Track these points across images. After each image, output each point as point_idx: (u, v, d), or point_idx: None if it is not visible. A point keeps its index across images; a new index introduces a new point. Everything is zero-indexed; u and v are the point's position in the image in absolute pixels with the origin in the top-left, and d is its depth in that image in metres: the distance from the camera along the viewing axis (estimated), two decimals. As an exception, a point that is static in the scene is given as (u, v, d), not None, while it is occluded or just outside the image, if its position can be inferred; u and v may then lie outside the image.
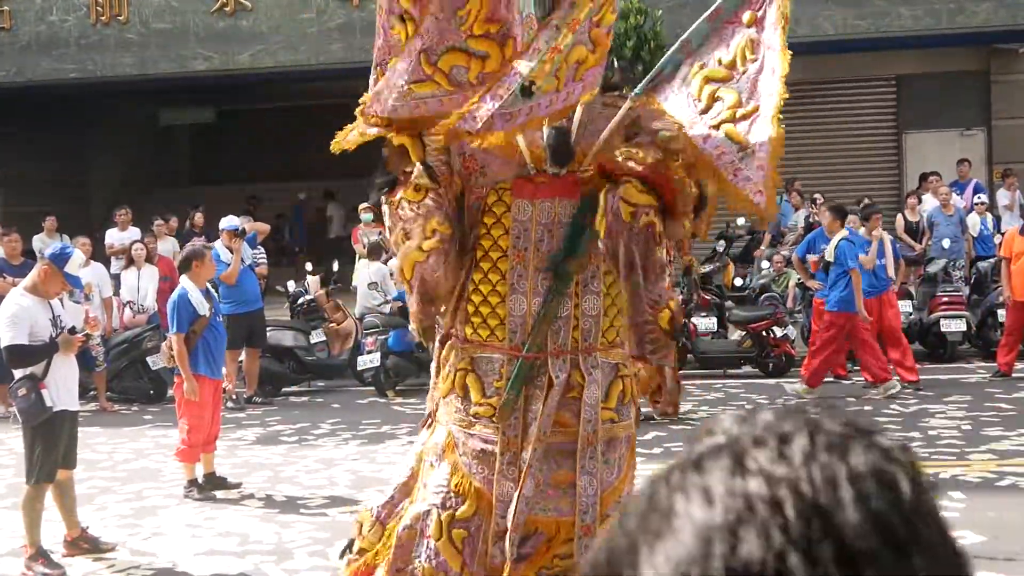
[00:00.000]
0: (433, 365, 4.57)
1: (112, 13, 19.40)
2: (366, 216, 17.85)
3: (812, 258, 13.75)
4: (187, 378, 9.16)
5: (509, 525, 4.07)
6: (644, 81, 4.37)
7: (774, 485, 0.87)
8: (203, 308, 9.41)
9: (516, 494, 4.02)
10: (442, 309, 4.41)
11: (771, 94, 4.11)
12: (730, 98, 4.11)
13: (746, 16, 4.13)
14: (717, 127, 4.11)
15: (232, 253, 13.78)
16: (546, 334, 4.14)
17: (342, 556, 4.69)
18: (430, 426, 4.50)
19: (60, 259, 7.55)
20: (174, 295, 9.61)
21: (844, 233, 13.17)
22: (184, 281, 9.59)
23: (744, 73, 4.14)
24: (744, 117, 4.10)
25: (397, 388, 14.48)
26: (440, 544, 4.14)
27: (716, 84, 4.14)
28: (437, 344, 4.49)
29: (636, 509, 0.92)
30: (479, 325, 4.21)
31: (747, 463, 0.89)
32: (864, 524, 0.85)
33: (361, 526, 4.56)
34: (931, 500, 0.90)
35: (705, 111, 4.14)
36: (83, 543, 7.73)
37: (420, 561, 4.18)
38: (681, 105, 4.18)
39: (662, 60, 4.46)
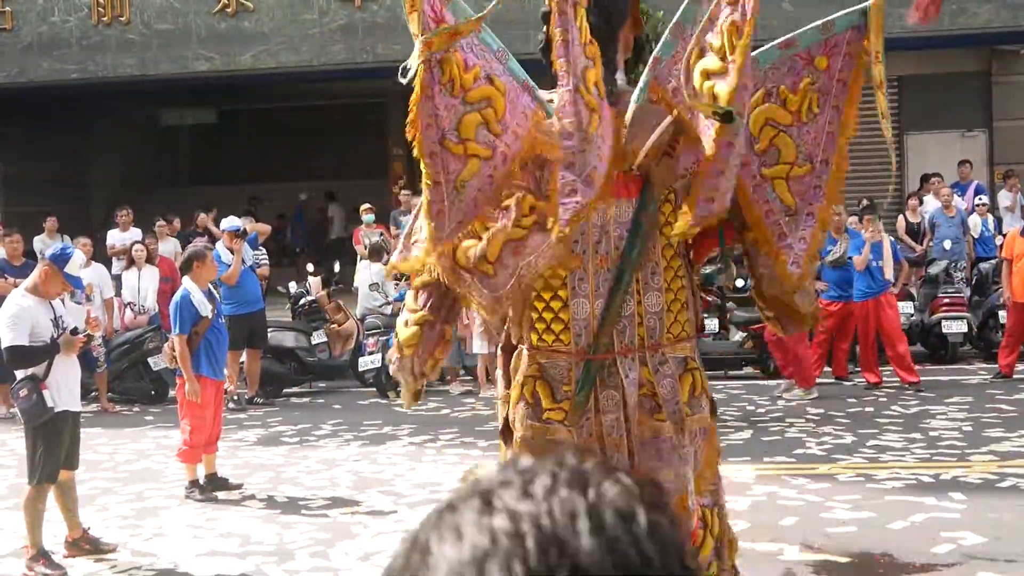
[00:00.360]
0: (499, 373, 4.60)
1: (114, 14, 19.40)
2: (368, 217, 17.86)
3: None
4: (189, 379, 9.17)
5: None
6: (644, 75, 4.27)
7: (517, 520, 0.93)
8: (205, 309, 9.41)
9: None
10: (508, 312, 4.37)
11: (827, 160, 4.01)
12: (787, 151, 4.02)
13: (818, 59, 4.05)
14: (768, 179, 4.06)
15: (233, 254, 13.78)
16: (611, 334, 4.18)
17: None
18: (508, 439, 4.52)
19: (61, 260, 7.55)
20: (176, 296, 9.61)
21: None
22: (186, 282, 9.59)
23: (805, 124, 4.05)
24: (796, 178, 4.04)
25: (398, 389, 14.45)
26: None
27: (777, 128, 4.06)
28: (500, 353, 4.54)
29: (402, 550, 0.98)
30: (544, 331, 4.24)
31: (494, 502, 0.96)
32: (599, 552, 0.91)
33: None
34: (670, 530, 0.95)
35: (761, 153, 4.07)
36: (84, 544, 7.73)
37: None
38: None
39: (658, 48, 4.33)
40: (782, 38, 4.08)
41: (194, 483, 9.33)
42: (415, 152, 3.94)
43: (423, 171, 3.94)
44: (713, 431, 4.52)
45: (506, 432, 4.54)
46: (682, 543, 0.96)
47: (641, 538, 0.93)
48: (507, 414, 4.48)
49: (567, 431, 4.20)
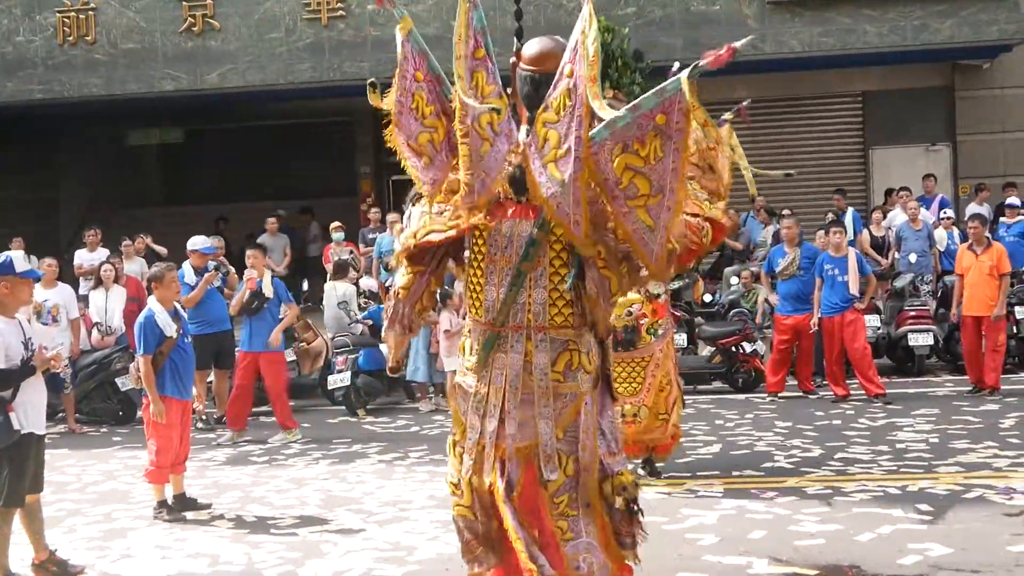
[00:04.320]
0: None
1: (79, 34, 19.36)
2: (337, 235, 17.86)
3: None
4: (154, 400, 9.11)
5: (471, 444, 5.60)
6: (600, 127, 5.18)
7: None
8: (170, 329, 9.34)
9: (494, 428, 5.54)
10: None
11: (673, 188, 5.14)
12: (643, 186, 5.14)
13: (658, 116, 5.06)
14: (632, 208, 5.19)
15: (196, 275, 13.66)
16: (507, 314, 5.53)
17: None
18: None
19: (8, 268, 7.45)
20: (141, 316, 9.48)
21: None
22: (151, 302, 9.48)
23: (654, 166, 5.12)
24: (651, 206, 5.17)
25: (368, 407, 14.47)
26: (451, 458, 5.76)
27: (633, 170, 5.16)
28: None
29: None
30: (471, 306, 5.69)
31: None
32: None
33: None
34: None
35: (624, 189, 5.18)
36: (51, 566, 7.66)
37: (447, 470, 5.84)
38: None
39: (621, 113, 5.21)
40: (630, 104, 5.15)
41: (162, 504, 9.28)
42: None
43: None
44: (582, 397, 5.58)
45: None
46: None
47: None
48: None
49: (473, 376, 5.63)
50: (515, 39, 5.61)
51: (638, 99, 5.18)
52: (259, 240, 17.24)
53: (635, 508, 5.58)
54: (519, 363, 5.54)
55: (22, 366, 7.31)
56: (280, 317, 13.07)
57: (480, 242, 5.58)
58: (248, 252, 13.29)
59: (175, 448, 9.30)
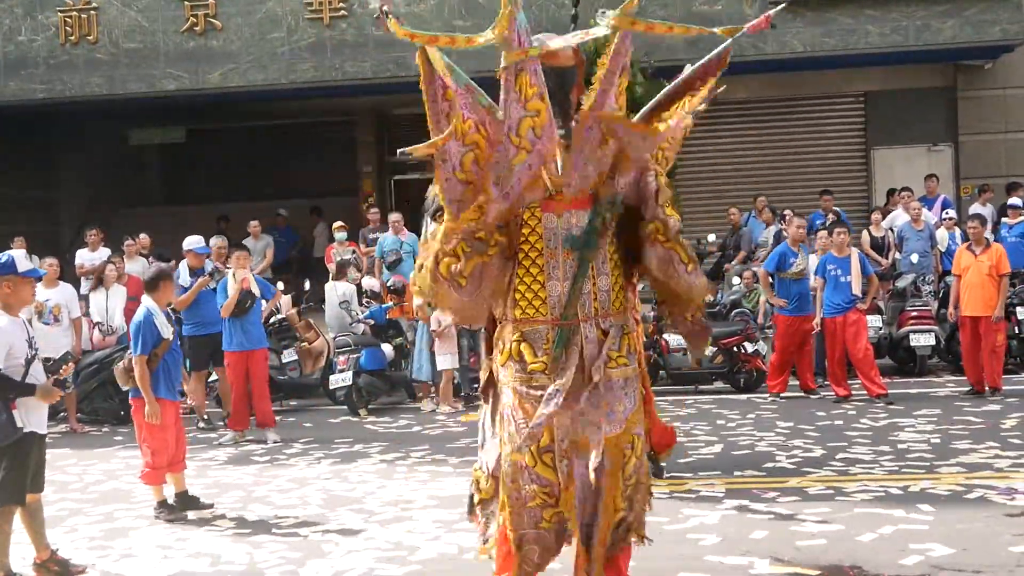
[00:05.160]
0: (483, 346, 6.13)
1: (81, 33, 19.35)
2: (340, 235, 17.85)
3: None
4: (149, 401, 9.04)
5: (565, 446, 5.59)
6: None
7: None
8: (167, 331, 9.30)
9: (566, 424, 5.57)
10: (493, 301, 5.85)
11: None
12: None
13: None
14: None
15: (191, 276, 13.70)
16: (576, 306, 5.57)
17: (470, 512, 6.20)
18: (489, 396, 6.02)
19: (8, 268, 7.45)
20: (138, 316, 9.35)
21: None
22: (148, 302, 9.37)
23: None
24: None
25: (369, 407, 14.46)
26: (538, 469, 5.60)
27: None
28: (483, 331, 6.02)
29: None
30: (526, 307, 5.63)
31: None
32: None
33: (478, 482, 6.01)
34: None
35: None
36: (53, 565, 7.66)
37: (529, 486, 5.63)
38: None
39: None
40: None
41: (163, 503, 9.27)
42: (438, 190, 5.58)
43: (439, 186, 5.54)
44: (643, 379, 5.97)
45: (487, 388, 6.01)
46: None
47: None
48: (491, 371, 5.91)
49: (547, 378, 5.55)
50: (574, 24, 6.01)
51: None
52: (243, 243, 17.15)
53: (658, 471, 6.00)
54: (595, 353, 5.60)
55: (22, 381, 7.27)
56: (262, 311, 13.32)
57: (534, 238, 5.61)
58: (235, 254, 13.30)
59: (170, 449, 9.27)
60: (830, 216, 17.61)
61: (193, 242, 14.03)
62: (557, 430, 5.59)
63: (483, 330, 6.26)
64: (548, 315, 5.58)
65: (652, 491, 6.06)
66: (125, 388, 9.48)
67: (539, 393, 5.56)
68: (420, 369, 14.67)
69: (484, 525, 6.02)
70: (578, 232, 5.57)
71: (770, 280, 14.38)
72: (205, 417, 13.75)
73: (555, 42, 5.59)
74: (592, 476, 5.58)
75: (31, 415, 7.34)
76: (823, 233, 14.62)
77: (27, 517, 7.58)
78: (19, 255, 7.70)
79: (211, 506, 9.42)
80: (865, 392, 13.48)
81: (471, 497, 6.18)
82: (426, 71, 5.41)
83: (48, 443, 7.92)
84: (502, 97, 5.31)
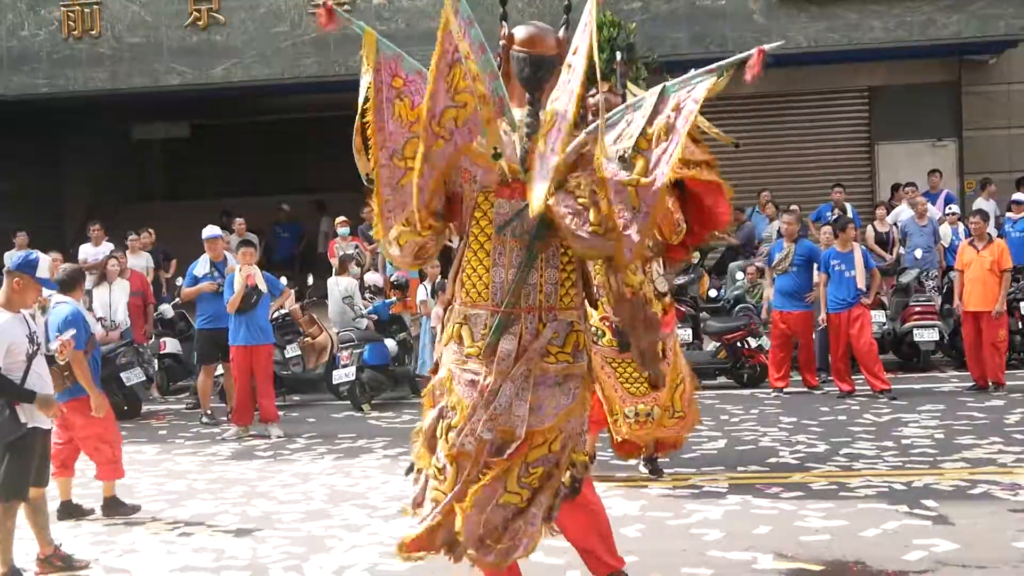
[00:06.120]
0: (439, 327, 5.99)
1: (84, 27, 19.35)
2: (343, 230, 17.85)
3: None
4: (95, 395, 8.79)
5: (475, 425, 5.44)
6: (598, 122, 5.30)
7: None
8: (94, 326, 9.12)
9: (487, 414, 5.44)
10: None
11: (664, 173, 5.19)
12: (640, 167, 5.21)
13: (672, 102, 5.28)
14: (626, 185, 5.20)
15: (212, 268, 13.74)
16: (519, 295, 5.48)
17: (407, 474, 5.98)
18: (436, 371, 5.87)
19: (29, 266, 7.43)
20: (68, 312, 8.93)
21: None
22: (70, 300, 9.08)
23: (656, 148, 5.24)
24: (644, 186, 5.19)
25: (372, 402, 14.46)
26: (441, 443, 5.53)
27: (639, 152, 5.26)
28: (443, 312, 5.87)
29: None
30: (470, 290, 5.56)
31: None
32: None
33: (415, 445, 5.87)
34: None
35: (626, 169, 5.23)
36: (56, 561, 7.67)
37: (438, 459, 5.59)
38: (612, 154, 5.31)
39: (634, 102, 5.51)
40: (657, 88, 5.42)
41: (112, 500, 9.24)
42: (366, 166, 5.59)
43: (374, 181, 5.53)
44: (587, 377, 5.74)
45: (435, 369, 5.86)
46: None
47: None
48: (439, 353, 5.80)
49: (479, 363, 5.49)
50: (502, 22, 5.69)
51: (660, 86, 5.41)
52: (228, 241, 17.07)
53: (577, 487, 5.68)
54: (534, 345, 5.49)
55: (21, 386, 7.25)
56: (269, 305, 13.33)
57: (484, 223, 5.52)
58: (240, 250, 13.31)
59: (117, 438, 9.22)
60: (835, 211, 17.60)
61: (209, 231, 14.09)
62: (476, 409, 5.46)
63: (443, 312, 6.09)
64: (489, 301, 5.51)
65: (556, 508, 5.66)
66: (57, 393, 8.35)
67: (470, 377, 5.50)
68: (424, 364, 14.68)
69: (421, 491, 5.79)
70: (517, 221, 5.45)
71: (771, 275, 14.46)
72: (208, 412, 13.75)
73: (528, 29, 5.59)
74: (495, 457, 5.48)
75: (34, 411, 7.33)
76: (827, 228, 14.61)
77: (31, 512, 7.59)
78: (45, 261, 7.60)
79: (92, 511, 9.26)
80: (868, 387, 13.46)
81: (411, 464, 5.95)
82: (373, 60, 5.42)
83: (51, 439, 7.92)
84: (429, 87, 5.22)
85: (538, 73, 5.53)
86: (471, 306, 5.57)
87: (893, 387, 13.40)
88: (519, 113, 5.50)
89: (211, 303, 13.55)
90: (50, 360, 7.90)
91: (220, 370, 13.93)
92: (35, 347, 7.40)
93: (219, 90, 19.91)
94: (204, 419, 13.67)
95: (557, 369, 5.54)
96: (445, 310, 5.86)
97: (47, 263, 7.66)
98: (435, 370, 5.89)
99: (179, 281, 15.75)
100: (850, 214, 17.44)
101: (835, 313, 13.71)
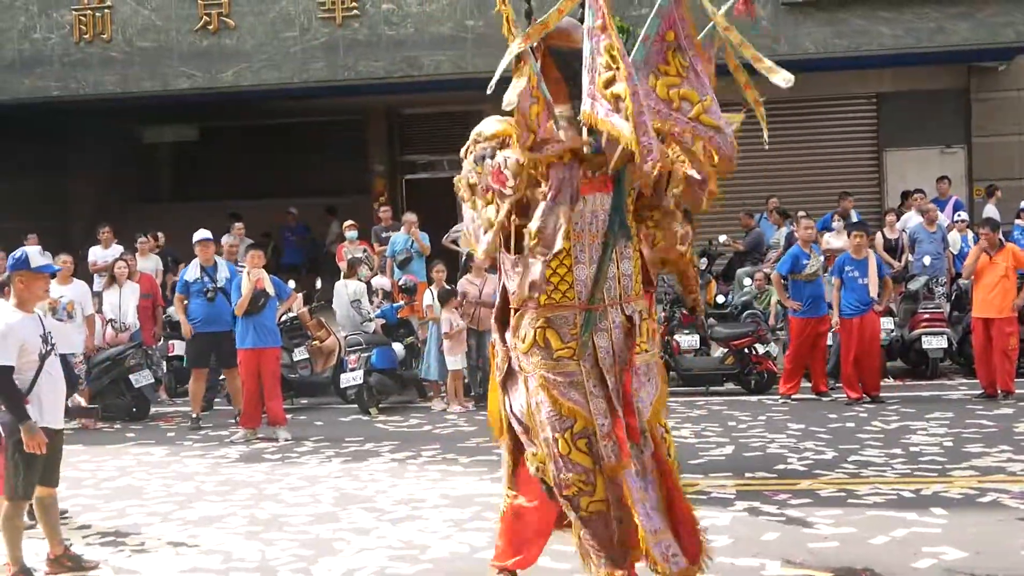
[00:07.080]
0: (495, 337, 6.01)
1: (95, 31, 19.39)
2: (351, 234, 17.87)
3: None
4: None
5: (607, 429, 5.48)
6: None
7: None
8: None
9: (606, 404, 5.51)
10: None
11: (711, 88, 5.52)
12: (691, 95, 5.44)
13: (667, 34, 5.52)
14: (695, 121, 5.40)
15: (201, 272, 13.68)
16: (602, 291, 5.57)
17: (550, 495, 5.86)
18: (507, 386, 5.92)
19: (22, 263, 7.44)
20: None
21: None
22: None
23: (686, 77, 5.48)
24: (708, 108, 5.43)
25: (380, 405, 14.47)
26: (573, 455, 5.51)
27: (675, 88, 5.45)
28: (494, 323, 6.01)
29: None
30: (551, 291, 5.59)
31: None
32: None
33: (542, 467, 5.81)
34: None
35: (678, 109, 5.42)
36: (66, 561, 7.69)
37: (564, 475, 5.56)
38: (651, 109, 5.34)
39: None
40: (639, 36, 5.57)
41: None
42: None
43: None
44: (662, 364, 5.97)
45: (508, 379, 5.91)
46: None
47: None
48: (512, 362, 5.83)
49: (575, 364, 5.54)
50: (528, 20, 5.66)
51: (643, 29, 5.61)
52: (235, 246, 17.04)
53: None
54: (621, 337, 5.61)
55: (21, 406, 7.22)
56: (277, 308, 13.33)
57: None
58: (249, 253, 13.32)
59: None
60: (836, 217, 17.59)
61: (201, 234, 13.99)
62: (595, 415, 5.53)
63: (492, 321, 6.20)
64: (576, 300, 5.56)
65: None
66: None
67: (566, 379, 5.54)
68: (429, 369, 14.70)
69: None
70: (604, 216, 5.58)
71: (783, 282, 14.36)
72: (194, 416, 13.72)
73: (565, 24, 5.59)
74: (648, 458, 5.60)
75: (45, 409, 7.34)
76: (856, 234, 14.61)
77: (42, 512, 7.61)
78: (33, 251, 7.69)
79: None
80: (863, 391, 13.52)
81: (543, 483, 5.87)
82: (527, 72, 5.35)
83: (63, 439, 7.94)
84: (519, 87, 5.33)
85: (576, 66, 5.52)
86: (553, 308, 5.62)
87: (901, 394, 13.38)
88: (560, 109, 5.55)
89: (202, 306, 13.56)
90: None
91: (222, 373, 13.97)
92: (48, 347, 7.42)
93: (228, 94, 19.93)
94: (190, 423, 13.68)
95: (642, 359, 5.68)
96: (496, 322, 5.99)
97: (37, 251, 7.73)
98: (506, 381, 5.93)
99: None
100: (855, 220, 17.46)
101: (847, 319, 13.71)
